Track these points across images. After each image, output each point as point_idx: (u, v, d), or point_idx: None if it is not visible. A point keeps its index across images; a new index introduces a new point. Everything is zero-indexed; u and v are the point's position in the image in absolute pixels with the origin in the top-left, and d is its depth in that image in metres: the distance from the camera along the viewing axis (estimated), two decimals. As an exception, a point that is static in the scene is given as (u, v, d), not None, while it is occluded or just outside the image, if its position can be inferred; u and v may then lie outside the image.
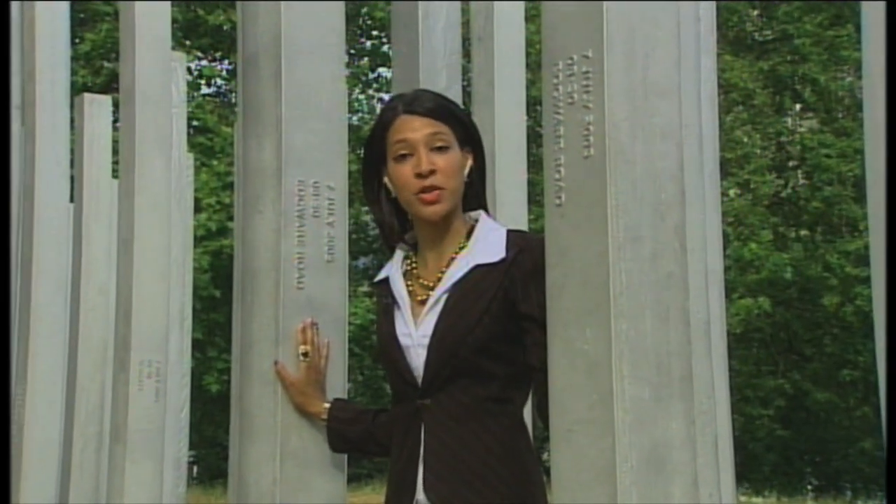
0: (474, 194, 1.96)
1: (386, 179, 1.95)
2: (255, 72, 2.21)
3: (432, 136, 1.88)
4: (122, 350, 3.67)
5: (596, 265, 1.47)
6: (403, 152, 1.89)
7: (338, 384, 2.12)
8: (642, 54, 1.51)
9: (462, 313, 1.83)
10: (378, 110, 13.55)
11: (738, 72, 12.00)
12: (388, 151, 1.92)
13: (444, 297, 1.87)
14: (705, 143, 2.93)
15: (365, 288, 13.05)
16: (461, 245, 1.92)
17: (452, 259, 1.91)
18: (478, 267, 1.86)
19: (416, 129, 1.88)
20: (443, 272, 1.90)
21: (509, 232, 1.89)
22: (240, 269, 2.22)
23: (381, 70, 13.89)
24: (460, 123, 1.92)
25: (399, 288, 1.94)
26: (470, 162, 1.94)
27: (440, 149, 1.88)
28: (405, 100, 1.93)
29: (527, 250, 1.83)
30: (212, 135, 11.41)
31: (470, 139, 1.95)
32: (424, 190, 1.87)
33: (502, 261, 1.84)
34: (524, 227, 3.68)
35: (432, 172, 1.86)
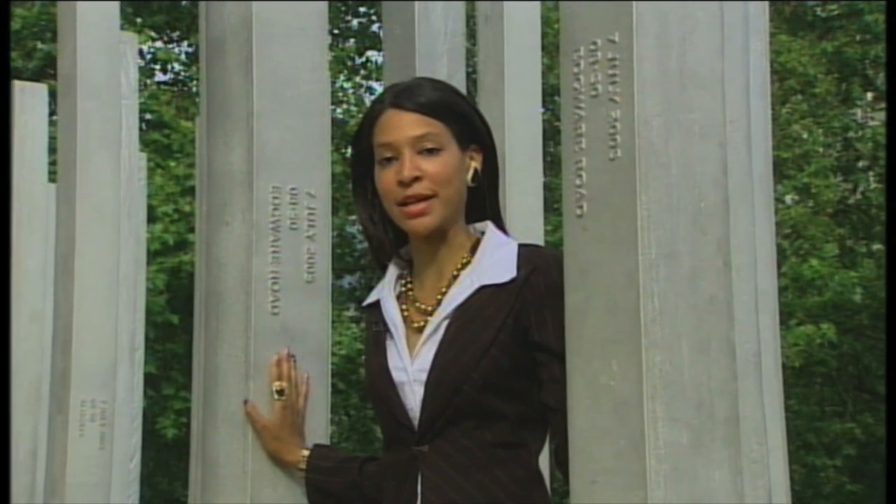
0: (482, 202, 1.98)
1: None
2: (222, 57, 2.23)
3: (419, 139, 1.89)
4: (59, 387, 3.68)
5: (624, 286, 1.49)
6: (388, 155, 1.91)
7: (319, 427, 2.14)
8: (678, 37, 1.53)
9: (465, 343, 1.85)
10: (366, 101, 13.59)
11: (797, 54, 12.03)
12: (374, 150, 1.94)
13: (445, 323, 1.88)
14: (755, 142, 2.95)
15: (351, 312, 13.04)
16: (464, 261, 1.94)
17: (454, 278, 1.92)
18: (484, 288, 1.87)
19: (401, 128, 1.90)
20: (442, 294, 1.92)
21: (521, 247, 1.91)
22: (202, 291, 2.24)
23: (371, 53, 13.93)
24: (461, 119, 1.94)
25: (392, 313, 1.96)
26: (475, 164, 1.96)
27: (430, 151, 1.90)
28: (395, 91, 1.95)
29: (542, 269, 1.85)
30: (169, 131, 11.44)
31: (475, 136, 1.96)
32: (407, 200, 1.89)
33: (512, 281, 1.86)
34: (539, 240, 3.70)
35: (417, 180, 1.88)
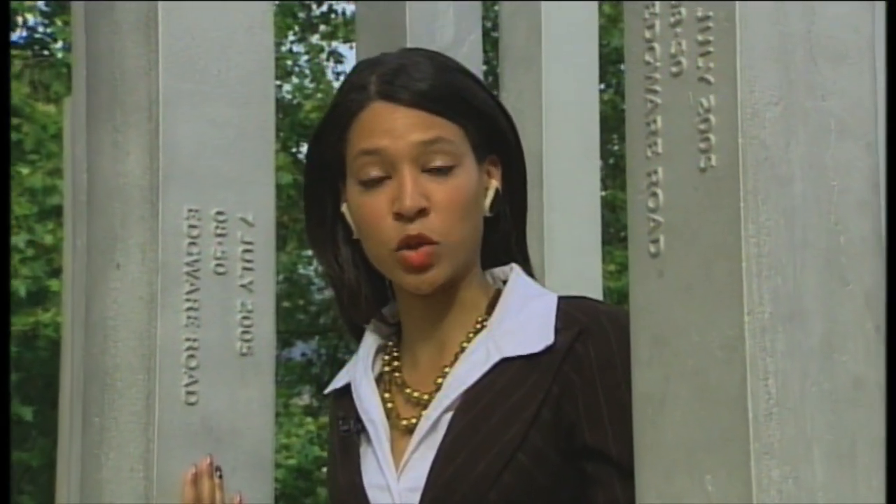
0: (503, 237, 2.01)
1: (344, 208, 1.99)
2: (109, 13, 2.26)
3: (426, 148, 1.91)
4: None
5: (722, 362, 1.51)
6: (376, 174, 1.92)
7: (257, 578, 2.17)
8: (804, -14, 1.56)
9: (478, 447, 1.86)
10: (330, 75, 13.62)
11: None
12: (350, 163, 1.96)
13: (447, 417, 1.91)
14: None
15: (306, 400, 13.04)
16: (478, 326, 1.96)
17: (462, 350, 1.95)
18: (506, 362, 1.90)
19: (397, 132, 1.91)
20: (444, 374, 1.94)
21: (562, 300, 1.94)
22: (77, 369, 2.27)
23: (335, 2, 14.01)
24: (479, 116, 1.96)
25: (369, 404, 1.98)
26: (494, 182, 1.99)
27: (440, 170, 1.91)
28: (382, 73, 1.95)
29: (593, 332, 1.87)
30: (20, 119, 11.49)
31: (497, 142, 1.99)
32: (408, 242, 1.90)
33: (549, 350, 1.88)
34: (593, 289, 3.69)
35: (423, 213, 1.90)
